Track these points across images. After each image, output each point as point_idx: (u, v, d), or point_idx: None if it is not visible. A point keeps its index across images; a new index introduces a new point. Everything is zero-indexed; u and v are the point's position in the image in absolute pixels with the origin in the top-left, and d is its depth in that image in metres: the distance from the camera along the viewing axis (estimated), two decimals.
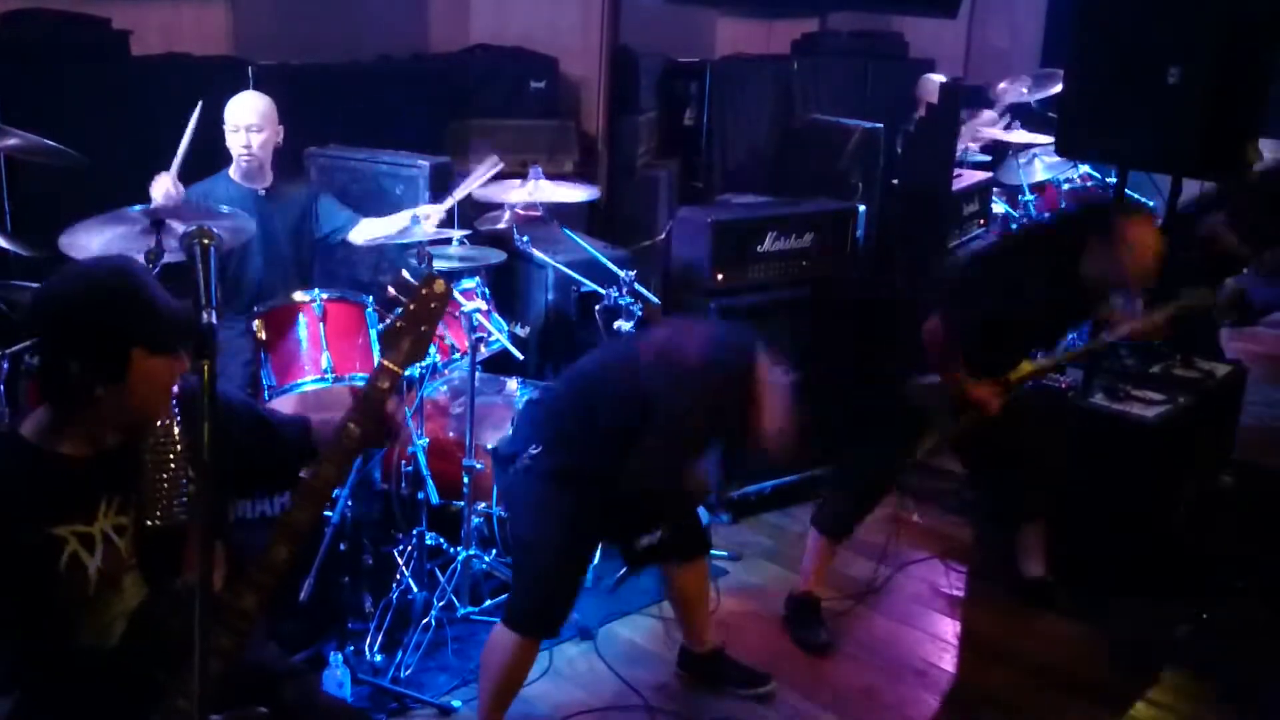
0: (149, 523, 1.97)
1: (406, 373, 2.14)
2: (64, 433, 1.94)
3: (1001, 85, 6.80)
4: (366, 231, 4.08)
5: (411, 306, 2.09)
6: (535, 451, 2.92)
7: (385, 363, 2.06)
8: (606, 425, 2.92)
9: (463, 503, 3.67)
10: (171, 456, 1.99)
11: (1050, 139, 5.24)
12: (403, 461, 3.79)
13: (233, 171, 3.90)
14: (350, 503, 3.39)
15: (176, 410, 2.02)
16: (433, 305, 2.09)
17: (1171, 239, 4.20)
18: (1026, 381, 3.62)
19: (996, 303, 3.40)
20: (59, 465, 1.92)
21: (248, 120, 3.82)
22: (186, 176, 3.85)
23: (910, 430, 3.57)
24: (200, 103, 3.64)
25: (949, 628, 3.80)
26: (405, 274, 3.54)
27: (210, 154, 3.89)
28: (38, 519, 1.88)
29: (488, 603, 3.69)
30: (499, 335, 3.85)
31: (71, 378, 1.87)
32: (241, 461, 2.10)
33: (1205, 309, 3.77)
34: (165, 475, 1.98)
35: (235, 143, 3.84)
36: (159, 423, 2.00)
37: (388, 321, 2.11)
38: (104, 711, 1.97)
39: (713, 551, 3.73)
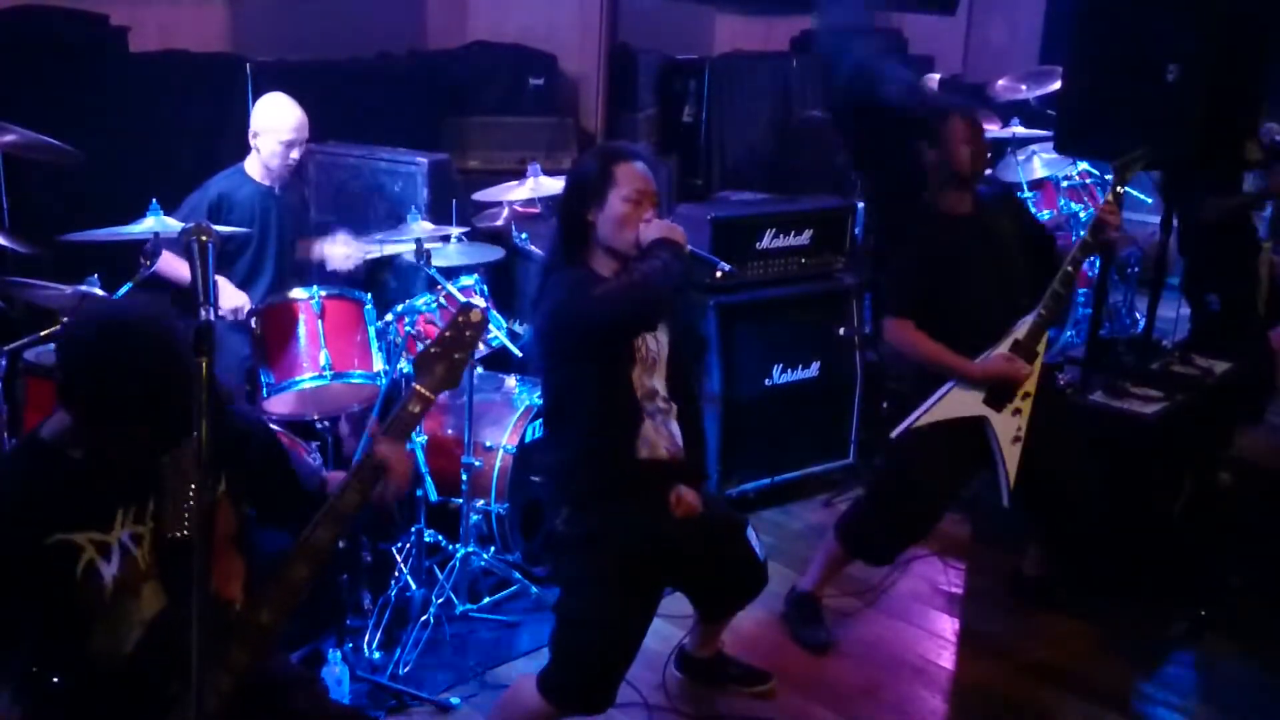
0: (170, 535, 1.96)
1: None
2: (80, 438, 1.93)
3: (1000, 82, 6.80)
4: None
5: (447, 334, 2.10)
6: (566, 515, 2.74)
7: (418, 388, 2.08)
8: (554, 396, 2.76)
9: (461, 500, 3.67)
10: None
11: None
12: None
13: (252, 169, 3.91)
14: None
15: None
16: (468, 334, 2.11)
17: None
18: (1040, 337, 3.36)
19: (912, 265, 3.40)
20: (76, 470, 1.92)
21: (294, 137, 3.87)
22: (203, 172, 3.87)
23: (966, 459, 3.40)
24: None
25: (948, 625, 3.80)
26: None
27: (208, 149, 3.90)
28: (54, 523, 1.87)
29: (486, 600, 3.69)
30: (497, 333, 3.85)
31: (73, 409, 1.88)
32: (249, 481, 2.10)
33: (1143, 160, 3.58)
34: (185, 486, 1.97)
35: (280, 154, 3.86)
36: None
37: (423, 347, 2.13)
38: (114, 718, 1.97)
39: None
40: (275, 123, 3.85)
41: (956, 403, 3.36)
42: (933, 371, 3.39)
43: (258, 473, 2.13)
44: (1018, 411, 3.37)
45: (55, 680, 1.95)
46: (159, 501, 1.97)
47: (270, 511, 2.22)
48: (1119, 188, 3.40)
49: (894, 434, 3.42)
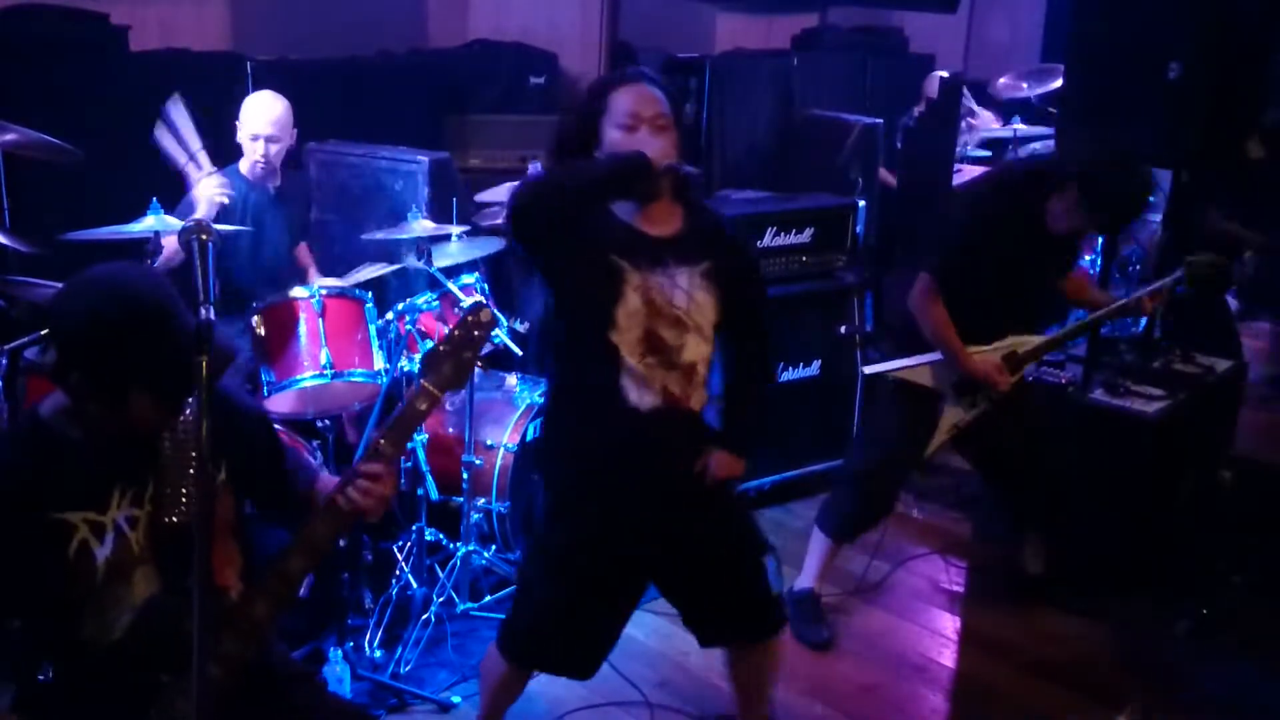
0: (167, 519, 1.94)
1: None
2: (77, 417, 1.91)
3: (1002, 81, 6.79)
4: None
5: (456, 332, 2.10)
6: (543, 491, 2.74)
7: (425, 384, 2.06)
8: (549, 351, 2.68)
9: (462, 498, 3.67)
10: (193, 452, 1.96)
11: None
12: (402, 458, 3.79)
13: (244, 168, 3.90)
14: None
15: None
16: (476, 333, 2.11)
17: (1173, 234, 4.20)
18: (1034, 360, 3.51)
19: (973, 241, 3.33)
20: (73, 449, 1.90)
21: (266, 131, 3.83)
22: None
23: (918, 426, 3.49)
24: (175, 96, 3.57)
25: (949, 623, 3.80)
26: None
27: (209, 148, 3.89)
28: (49, 501, 1.85)
29: (488, 598, 3.69)
30: (498, 331, 3.85)
31: (70, 384, 1.86)
32: (242, 468, 2.08)
33: (1213, 271, 3.56)
34: (186, 471, 1.95)
35: (251, 149, 3.84)
36: (181, 417, 1.96)
37: (431, 345, 2.12)
38: (102, 706, 1.96)
39: None
40: (246, 117, 3.84)
41: (931, 374, 3.44)
42: (927, 338, 3.39)
43: (249, 458, 2.12)
44: (973, 406, 3.47)
45: (43, 665, 1.93)
46: (158, 484, 1.95)
47: (255, 499, 2.21)
48: (1181, 287, 3.57)
49: (867, 370, 3.63)
